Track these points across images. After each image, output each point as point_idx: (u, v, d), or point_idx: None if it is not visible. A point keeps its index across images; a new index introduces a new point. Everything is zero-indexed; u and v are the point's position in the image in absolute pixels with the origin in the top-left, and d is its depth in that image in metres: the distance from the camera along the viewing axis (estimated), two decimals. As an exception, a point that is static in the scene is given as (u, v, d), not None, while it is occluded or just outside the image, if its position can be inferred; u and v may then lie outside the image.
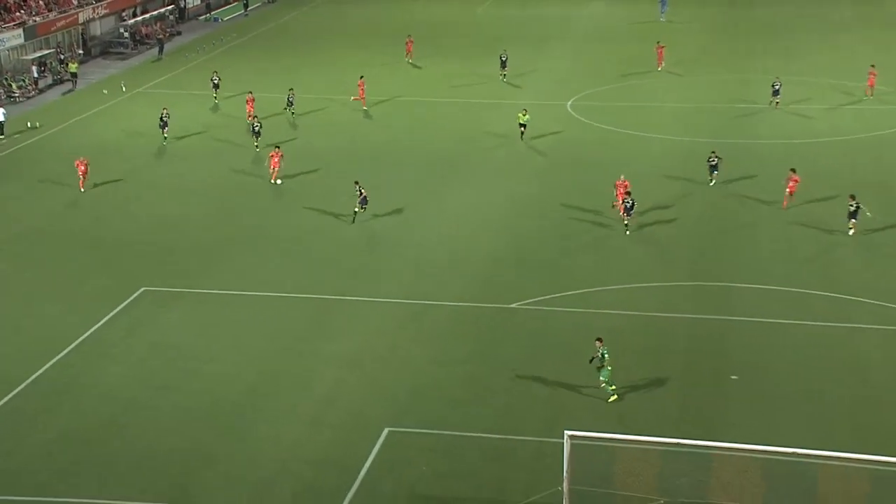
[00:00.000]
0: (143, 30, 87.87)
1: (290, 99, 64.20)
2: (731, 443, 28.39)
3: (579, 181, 52.22)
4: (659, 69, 72.65)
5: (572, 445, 26.09)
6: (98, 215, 49.09)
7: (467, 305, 39.31)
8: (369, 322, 38.12)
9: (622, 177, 47.14)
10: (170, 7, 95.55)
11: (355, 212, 46.63)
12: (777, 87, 63.50)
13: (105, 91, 72.03)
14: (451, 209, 49.27)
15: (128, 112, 67.21)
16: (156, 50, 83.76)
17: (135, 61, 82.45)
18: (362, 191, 46.46)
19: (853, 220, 44.16)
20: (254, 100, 62.79)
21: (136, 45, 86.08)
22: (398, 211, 49.12)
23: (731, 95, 67.38)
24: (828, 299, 38.97)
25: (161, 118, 59.66)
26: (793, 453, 26.91)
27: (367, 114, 64.79)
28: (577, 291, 40.07)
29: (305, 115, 63.97)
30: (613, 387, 32.33)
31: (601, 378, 32.29)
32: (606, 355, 32.19)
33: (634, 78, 71.54)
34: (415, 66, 74.93)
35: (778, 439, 29.00)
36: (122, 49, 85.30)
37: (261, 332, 37.54)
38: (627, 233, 44.66)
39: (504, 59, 71.52)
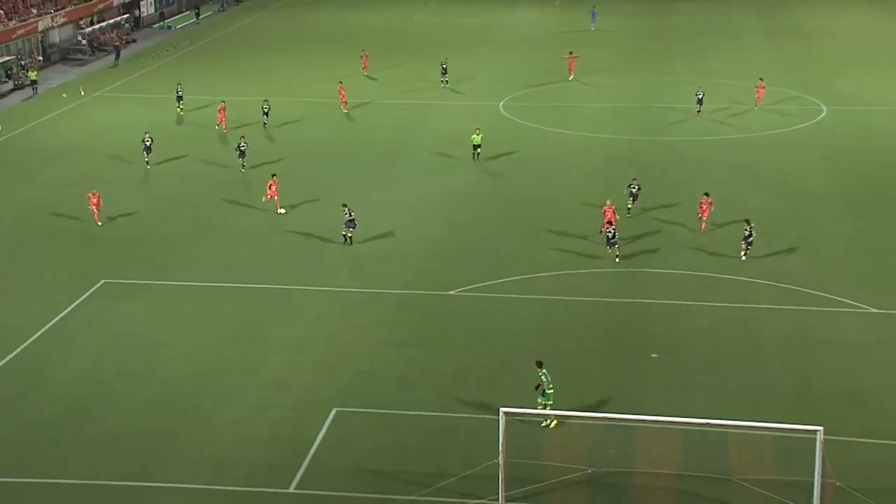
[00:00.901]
0: (101, 37, 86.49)
1: (266, 110, 61.15)
2: (652, 416, 28.81)
3: (513, 176, 52.44)
4: (570, 79, 71.67)
5: (507, 421, 26.26)
6: (59, 212, 48.24)
7: (409, 293, 39.33)
8: (316, 310, 37.97)
9: (608, 201, 43.09)
10: (125, 16, 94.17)
11: (344, 234, 43.18)
12: (700, 97, 62.32)
13: (64, 95, 70.77)
14: (394, 202, 49.21)
15: (87, 114, 66.13)
16: (112, 56, 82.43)
17: (92, 67, 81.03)
18: (351, 213, 42.95)
19: (747, 246, 41.04)
20: (225, 108, 60.46)
21: (93, 52, 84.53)
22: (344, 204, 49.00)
23: (650, 96, 68.05)
24: (733, 282, 39.59)
25: (143, 142, 54.12)
26: (705, 423, 27.38)
27: (320, 115, 64.36)
28: (513, 278, 40.27)
29: (255, 114, 63.33)
30: (549, 422, 29.53)
31: (540, 401, 29.67)
32: (545, 378, 29.74)
33: (562, 82, 71.89)
34: (371, 77, 73.70)
35: (693, 411, 29.43)
36: (80, 56, 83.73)
37: (215, 320, 37.23)
38: (617, 260, 41.20)
39: (445, 66, 71.40)
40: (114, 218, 47.08)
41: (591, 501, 26.47)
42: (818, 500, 24.96)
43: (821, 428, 24.90)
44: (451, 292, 39.09)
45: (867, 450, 28.42)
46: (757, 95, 63.60)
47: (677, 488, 26.72)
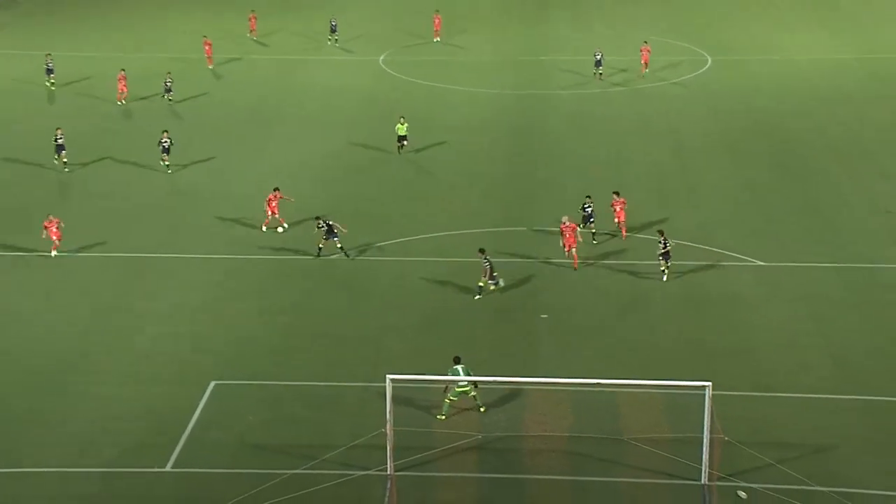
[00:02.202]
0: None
1: (168, 84, 57.07)
2: (541, 377, 29.33)
3: (393, 134, 52.27)
4: (436, 40, 69.86)
5: (394, 388, 26.37)
6: None
7: (285, 258, 38.99)
8: (188, 278, 37.39)
9: (566, 219, 37.83)
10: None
11: (319, 248, 38.34)
12: (598, 58, 60.82)
13: None
14: (268, 164, 48.60)
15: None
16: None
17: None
18: (328, 223, 38.21)
19: (665, 261, 36.87)
20: (125, 78, 56.73)
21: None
22: (216, 166, 48.21)
23: (535, 50, 68.43)
24: (621, 239, 40.37)
25: (55, 139, 47.18)
26: (595, 384, 28.04)
27: (190, 72, 62.80)
28: (394, 241, 40.29)
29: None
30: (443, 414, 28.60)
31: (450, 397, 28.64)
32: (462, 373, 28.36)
33: (444, 35, 71.66)
34: (260, 43, 71.52)
35: (582, 371, 30.02)
36: None
37: (82, 292, 36.35)
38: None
39: (334, 24, 69.64)
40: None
41: (481, 467, 26.83)
42: (706, 456, 25.82)
43: (709, 383, 25.72)
44: (332, 256, 38.89)
45: (755, 403, 29.48)
46: (643, 60, 61.59)
47: (568, 450, 27.29)
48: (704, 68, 64.23)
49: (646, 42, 62.48)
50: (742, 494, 25.49)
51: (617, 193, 40.24)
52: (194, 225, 41.96)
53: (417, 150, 49.57)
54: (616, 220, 39.93)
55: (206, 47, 64.02)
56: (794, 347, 32.49)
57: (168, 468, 26.90)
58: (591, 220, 39.47)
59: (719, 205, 44.10)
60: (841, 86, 60.35)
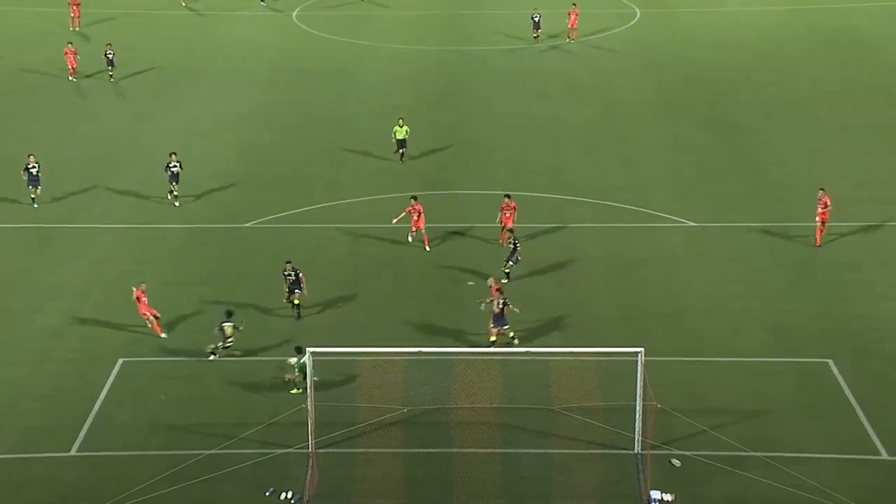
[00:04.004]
0: None
1: (110, 56, 53.19)
2: (469, 347, 29.26)
3: (310, 93, 51.62)
4: None
5: (315, 362, 26.11)
6: None
7: (200, 227, 38.36)
8: (96, 250, 36.63)
9: (491, 280, 31.85)
10: None
11: (291, 302, 32.45)
12: (537, 20, 59.31)
13: None
14: (178, 125, 47.70)
15: None
16: None
17: None
18: (295, 272, 32.34)
19: (510, 262, 34.19)
20: (75, 52, 53.86)
21: None
22: (123, 128, 47.24)
23: (461, 3, 67.96)
24: (552, 201, 40.42)
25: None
26: (525, 352, 28.10)
27: (82, 33, 61.34)
28: (313, 207, 39.85)
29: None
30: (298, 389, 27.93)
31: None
32: (298, 369, 27.89)
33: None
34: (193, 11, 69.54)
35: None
36: None
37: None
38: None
39: None
40: None
41: (407, 443, 26.71)
42: (639, 424, 26.03)
43: (641, 349, 25.89)
44: (247, 224, 38.35)
45: (687, 368, 29.77)
46: (570, 25, 59.88)
47: (498, 422, 27.28)
48: (634, 21, 64.40)
49: (574, 4, 60.28)
50: (676, 462, 25.76)
51: (508, 196, 36.67)
52: (100, 192, 41.02)
53: (339, 115, 49.09)
54: (502, 223, 36.16)
55: (73, 7, 61.99)
56: (726, 311, 32.84)
57: (73, 452, 26.36)
58: (516, 250, 34.14)
59: (651, 164, 44.34)
60: (775, 38, 60.98)
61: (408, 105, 50.02)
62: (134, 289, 31.25)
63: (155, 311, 31.22)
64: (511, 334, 30.48)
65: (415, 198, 36.69)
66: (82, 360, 30.14)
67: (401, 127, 43.05)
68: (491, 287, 31.00)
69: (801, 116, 49.41)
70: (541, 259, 35.93)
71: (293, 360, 28.36)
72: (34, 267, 35.47)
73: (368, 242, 37.03)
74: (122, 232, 37.91)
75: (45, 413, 27.89)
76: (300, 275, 32.20)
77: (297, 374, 28.02)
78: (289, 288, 32.16)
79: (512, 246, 34.10)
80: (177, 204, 39.70)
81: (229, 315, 30.11)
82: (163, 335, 31.08)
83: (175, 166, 39.54)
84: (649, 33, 62.28)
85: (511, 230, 34.73)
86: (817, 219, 36.70)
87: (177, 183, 39.64)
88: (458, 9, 66.89)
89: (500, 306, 30.16)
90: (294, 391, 28.08)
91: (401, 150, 42.91)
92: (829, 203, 36.50)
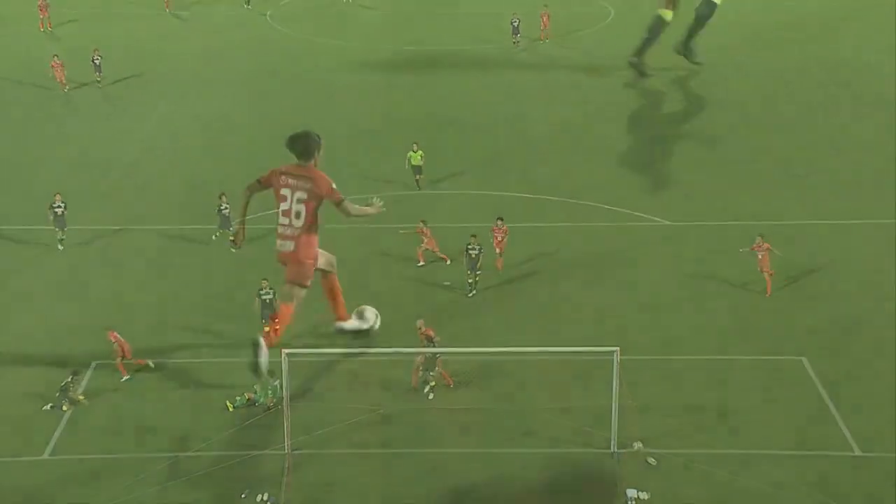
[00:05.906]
0: None
1: (96, 61, 53.10)
2: (445, 347, 29.61)
3: (281, 98, 51.86)
4: None
5: (290, 363, 26.40)
6: None
7: (168, 227, 38.55)
8: (55, 256, 36.71)
9: (420, 322, 30.05)
10: None
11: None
12: (516, 24, 59.61)
13: None
14: (143, 129, 47.80)
15: None
16: None
17: None
18: (271, 290, 30.97)
19: (474, 274, 34.20)
20: (62, 66, 52.87)
21: None
22: (87, 132, 47.28)
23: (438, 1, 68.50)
24: (523, 200, 40.86)
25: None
26: (501, 352, 28.51)
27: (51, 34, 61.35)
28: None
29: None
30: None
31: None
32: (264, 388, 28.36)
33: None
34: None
35: (487, 340, 30.73)
36: None
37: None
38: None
39: None
40: None
41: (383, 443, 27.07)
42: (616, 423, 26.50)
43: (616, 348, 26.36)
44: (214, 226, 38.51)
45: (663, 367, 30.28)
46: (542, 26, 60.55)
47: (474, 422, 27.67)
48: (607, 21, 64.97)
49: (546, 6, 60.87)
50: (651, 461, 26.25)
51: (501, 220, 35.73)
52: (76, 194, 41.08)
53: (305, 116, 49.37)
54: (496, 247, 35.40)
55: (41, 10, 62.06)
56: (701, 310, 33.34)
57: (46, 455, 26.56)
58: (477, 263, 34.00)
59: (625, 162, 44.91)
60: (747, 36, 61.74)
61: (381, 98, 50.06)
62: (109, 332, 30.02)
63: (128, 347, 29.85)
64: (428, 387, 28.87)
65: (424, 221, 36.30)
66: (54, 363, 30.24)
67: (415, 152, 41.79)
68: (419, 329, 29.38)
69: (769, 112, 50.16)
70: (515, 258, 36.33)
71: (268, 381, 28.14)
72: (5, 270, 35.54)
73: (344, 246, 37.03)
74: (78, 234, 37.85)
75: (16, 417, 28.03)
76: (269, 293, 30.76)
77: (265, 393, 27.98)
78: (263, 311, 30.56)
79: (475, 252, 33.57)
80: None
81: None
82: (126, 377, 29.59)
83: (226, 208, 36.78)
84: (623, 33, 62.80)
85: (474, 235, 33.86)
86: (759, 267, 33.98)
87: (228, 226, 36.66)
88: (438, 7, 67.18)
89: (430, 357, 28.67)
90: (230, 405, 27.94)
91: (417, 177, 42.01)
92: (770, 247, 33.79)
